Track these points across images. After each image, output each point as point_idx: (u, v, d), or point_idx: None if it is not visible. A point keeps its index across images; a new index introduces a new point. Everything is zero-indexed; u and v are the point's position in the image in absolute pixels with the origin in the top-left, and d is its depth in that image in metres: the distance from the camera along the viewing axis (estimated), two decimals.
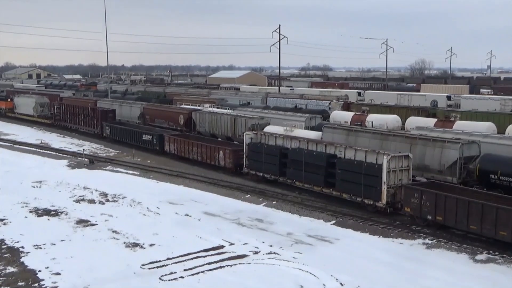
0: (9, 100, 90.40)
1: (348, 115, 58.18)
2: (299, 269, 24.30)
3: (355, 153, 33.75)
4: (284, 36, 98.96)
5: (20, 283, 22.89)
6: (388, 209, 31.58)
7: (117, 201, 36.62)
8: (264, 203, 36.03)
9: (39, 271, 24.12)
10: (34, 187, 40.90)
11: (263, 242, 27.92)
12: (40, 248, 27.16)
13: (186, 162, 48.73)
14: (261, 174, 40.55)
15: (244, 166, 42.26)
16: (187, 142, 49.17)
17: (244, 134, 43.00)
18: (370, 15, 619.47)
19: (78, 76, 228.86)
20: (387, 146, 37.05)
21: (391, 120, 53.61)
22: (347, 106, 69.40)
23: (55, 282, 22.88)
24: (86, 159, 51.46)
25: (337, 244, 27.99)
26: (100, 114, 65.44)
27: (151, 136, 54.52)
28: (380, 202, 31.79)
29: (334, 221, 31.97)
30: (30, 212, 33.98)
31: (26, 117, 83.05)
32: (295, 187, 37.96)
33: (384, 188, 31.40)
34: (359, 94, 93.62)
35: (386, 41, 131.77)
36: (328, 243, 28.15)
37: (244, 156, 42.24)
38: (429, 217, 28.95)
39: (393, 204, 31.66)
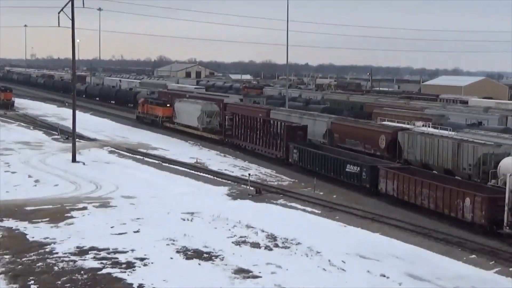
0: (168, 105, 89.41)
1: None
2: None
3: None
4: None
5: None
6: None
7: (289, 247, 37.36)
8: (497, 269, 34.46)
9: None
10: (184, 219, 43.18)
11: None
12: None
13: (401, 207, 46.67)
14: None
15: (504, 225, 37.98)
16: (413, 180, 45.95)
17: (508, 175, 38.88)
18: None
19: (248, 77, 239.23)
20: None
21: None
22: None
23: None
24: (252, 188, 53.24)
25: None
26: (286, 131, 63.92)
27: (358, 168, 52.08)
28: None
29: None
30: (177, 252, 35.88)
31: (187, 129, 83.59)
32: None
33: None
34: None
35: None
36: None
37: (506, 208, 37.93)
38: None
39: None
